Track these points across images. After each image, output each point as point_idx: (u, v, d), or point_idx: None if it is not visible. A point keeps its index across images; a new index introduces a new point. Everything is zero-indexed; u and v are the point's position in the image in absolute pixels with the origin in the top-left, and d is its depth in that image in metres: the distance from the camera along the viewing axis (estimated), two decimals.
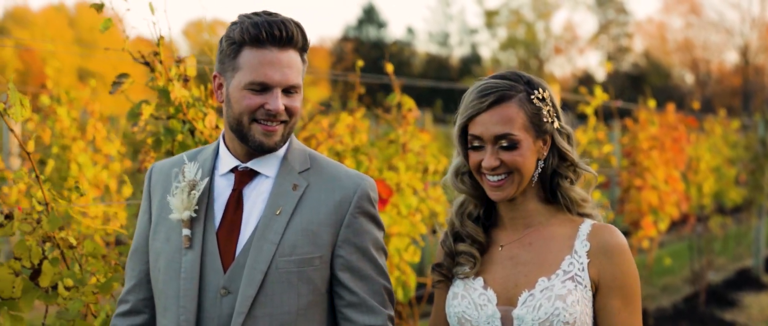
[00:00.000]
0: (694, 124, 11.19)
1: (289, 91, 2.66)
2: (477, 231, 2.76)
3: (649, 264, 10.27)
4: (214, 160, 2.79)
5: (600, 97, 7.46)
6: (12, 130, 3.23)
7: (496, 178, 2.65)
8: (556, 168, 2.71)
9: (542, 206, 2.74)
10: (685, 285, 12.02)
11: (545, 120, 2.65)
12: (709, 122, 13.84)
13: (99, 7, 3.57)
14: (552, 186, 2.73)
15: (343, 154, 4.86)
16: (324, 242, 2.71)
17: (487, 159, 2.64)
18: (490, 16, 58.29)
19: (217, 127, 3.86)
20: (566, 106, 11.40)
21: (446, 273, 2.80)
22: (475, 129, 2.65)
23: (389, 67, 5.58)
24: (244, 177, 2.74)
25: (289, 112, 2.67)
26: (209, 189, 2.74)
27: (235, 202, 2.71)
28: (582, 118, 8.26)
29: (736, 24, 52.97)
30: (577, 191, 2.73)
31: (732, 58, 60.11)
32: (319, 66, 48.74)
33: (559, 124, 2.70)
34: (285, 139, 2.72)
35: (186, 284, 2.65)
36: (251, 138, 2.66)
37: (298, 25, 2.67)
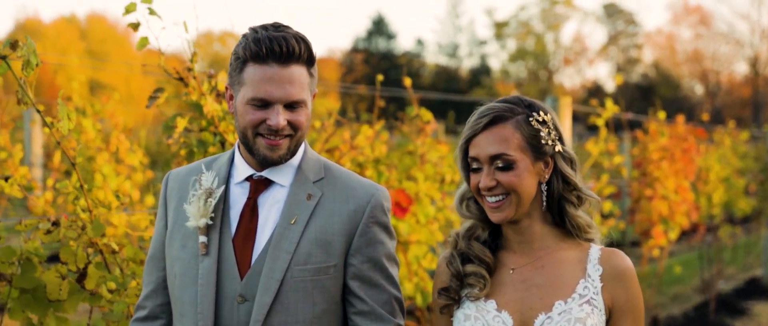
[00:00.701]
0: (704, 135, 11.26)
1: (292, 106, 2.67)
2: (483, 251, 2.75)
3: (659, 272, 10.39)
4: (229, 168, 2.81)
5: (611, 109, 7.59)
6: (58, 143, 3.39)
7: (494, 199, 2.67)
8: (561, 192, 2.71)
9: (549, 229, 2.74)
10: (695, 295, 12.13)
11: (544, 142, 2.66)
12: (719, 133, 13.91)
13: (135, 27, 3.73)
14: (559, 210, 2.73)
15: (364, 165, 5.04)
16: (338, 251, 2.73)
17: (483, 179, 2.66)
18: (500, 28, 58.37)
19: None
20: (577, 117, 11.52)
21: (454, 296, 2.76)
22: (473, 150, 2.68)
23: (407, 81, 5.76)
24: (259, 185, 2.76)
25: (294, 126, 2.69)
26: (225, 197, 2.77)
27: (251, 211, 2.74)
28: (593, 129, 8.37)
29: (745, 35, 53.00)
30: (583, 217, 2.72)
31: (742, 69, 60.11)
32: (329, 77, 48.91)
33: (562, 148, 2.70)
34: (292, 151, 2.74)
35: (203, 290, 2.68)
36: (257, 151, 2.69)
37: (301, 40, 2.67)
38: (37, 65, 3.14)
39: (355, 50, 55.69)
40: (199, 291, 2.68)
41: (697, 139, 10.64)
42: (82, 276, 3.41)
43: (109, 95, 8.10)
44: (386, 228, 2.83)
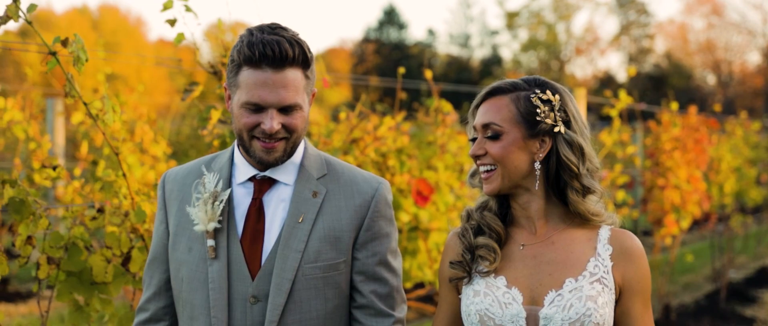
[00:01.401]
0: (716, 125, 11.35)
1: (286, 109, 2.64)
2: (495, 220, 2.75)
3: (671, 261, 10.53)
4: (230, 168, 2.80)
5: (624, 100, 7.71)
6: (104, 134, 3.56)
7: (483, 169, 2.69)
8: (560, 174, 2.68)
9: (555, 208, 2.72)
10: (706, 283, 12.27)
11: (540, 119, 2.64)
12: (731, 124, 14.00)
13: (173, 23, 3.87)
14: (562, 193, 2.71)
15: (387, 155, 5.21)
16: (346, 247, 2.74)
17: (474, 146, 2.70)
18: (511, 18, 58.18)
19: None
20: (590, 108, 11.61)
21: (466, 269, 2.75)
22: (472, 120, 2.75)
23: (428, 74, 5.93)
24: (263, 185, 2.75)
25: (289, 129, 2.66)
26: (229, 198, 2.75)
27: (257, 211, 2.73)
28: (605, 119, 8.47)
29: (758, 25, 52.98)
30: (587, 206, 2.69)
31: (754, 59, 59.70)
32: (340, 68, 48.96)
33: (564, 130, 2.66)
34: (288, 153, 2.72)
35: (215, 294, 2.67)
36: (253, 153, 2.68)
37: (296, 43, 2.64)
38: (86, 61, 3.31)
39: (366, 40, 55.67)
40: (211, 294, 2.68)
41: (709, 129, 10.74)
42: (126, 259, 3.59)
43: (132, 87, 8.26)
44: (390, 221, 2.86)
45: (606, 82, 48.49)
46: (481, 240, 2.73)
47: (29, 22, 3.22)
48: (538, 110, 2.64)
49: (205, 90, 4.18)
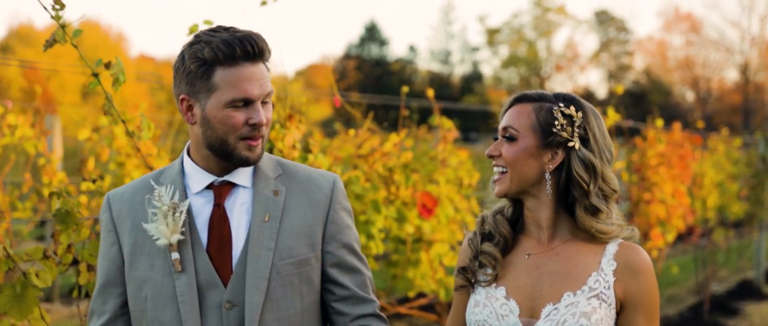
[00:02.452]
0: (699, 141, 11.61)
1: (263, 102, 2.65)
2: (504, 223, 2.78)
3: (657, 273, 10.71)
4: (182, 179, 2.74)
5: (612, 116, 7.94)
6: (138, 149, 3.78)
7: (496, 170, 2.73)
8: (569, 189, 2.69)
9: (564, 218, 2.73)
10: (689, 296, 12.44)
11: (556, 131, 2.65)
12: (713, 140, 14.22)
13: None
14: (571, 208, 2.72)
15: (393, 169, 5.46)
16: (315, 241, 2.76)
17: (491, 147, 2.73)
18: (492, 35, 58.37)
19: (294, 146, 4.44)
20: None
21: (470, 278, 2.80)
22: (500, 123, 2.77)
23: (430, 92, 6.19)
24: (222, 191, 2.72)
25: (266, 123, 2.67)
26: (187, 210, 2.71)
27: (220, 217, 2.70)
28: None
29: (736, 42, 53.10)
30: (593, 223, 2.68)
31: (732, 75, 60.17)
32: (322, 84, 49.11)
33: (579, 147, 2.67)
34: (263, 149, 2.72)
35: (186, 306, 2.62)
36: (237, 154, 2.65)
37: (263, 38, 2.65)
38: (123, 82, 3.53)
39: (347, 57, 55.74)
40: (181, 307, 2.63)
41: (693, 145, 10.97)
42: None
43: (136, 105, 8.46)
44: (350, 213, 2.89)
45: (586, 99, 48.50)
46: (485, 246, 2.78)
47: (75, 46, 3.43)
48: (556, 122, 2.66)
49: None
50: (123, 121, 3.65)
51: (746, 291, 13.27)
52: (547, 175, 2.68)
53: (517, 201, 2.81)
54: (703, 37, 54.16)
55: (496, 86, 57.49)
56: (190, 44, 2.62)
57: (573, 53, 58.41)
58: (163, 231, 2.63)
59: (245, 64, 2.60)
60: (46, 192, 6.85)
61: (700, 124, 12.41)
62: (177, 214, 2.64)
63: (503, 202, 2.83)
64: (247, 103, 2.60)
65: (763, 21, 52.03)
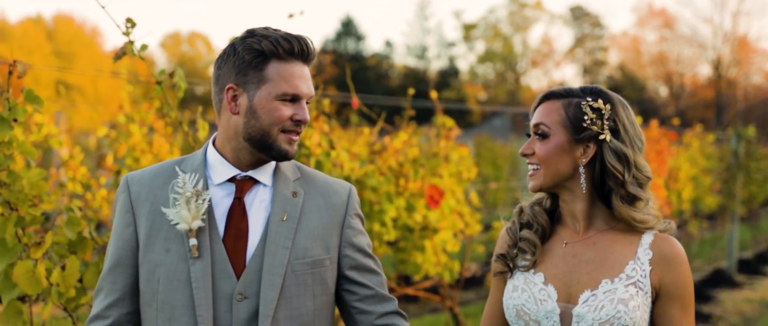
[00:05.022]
0: (675, 137, 11.98)
1: (307, 101, 2.72)
2: (542, 214, 2.82)
3: None
4: (204, 170, 2.76)
5: None
6: (193, 147, 4.23)
7: (530, 168, 2.75)
8: (604, 181, 2.70)
9: (599, 210, 2.75)
10: None
11: (586, 125, 2.66)
12: (688, 136, 14.61)
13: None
14: (607, 198, 2.73)
15: (403, 164, 6.01)
16: (330, 244, 2.79)
17: (524, 145, 2.76)
18: (468, 30, 58.77)
19: (320, 144, 4.94)
20: None
21: (508, 263, 2.81)
22: (530, 121, 2.80)
23: (433, 94, 6.72)
24: (244, 185, 2.74)
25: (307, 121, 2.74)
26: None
27: (240, 210, 2.72)
28: None
29: (708, 38, 53.83)
30: (631, 212, 2.68)
31: (705, 71, 60.49)
32: None
33: (610, 139, 2.67)
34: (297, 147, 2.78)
35: (199, 292, 2.63)
36: (277, 146, 2.68)
37: (313, 43, 2.73)
38: (184, 89, 3.94)
39: (323, 52, 55.34)
40: (195, 293, 2.63)
41: (669, 141, 11.41)
42: None
43: (150, 104, 8.86)
44: (362, 219, 2.94)
45: None
46: (525, 233, 2.81)
47: (142, 59, 3.79)
48: (586, 117, 2.67)
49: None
50: (179, 123, 4.03)
51: (719, 279, 13.61)
52: (581, 169, 2.70)
53: (554, 194, 2.85)
54: (676, 33, 54.92)
55: (472, 81, 57.85)
56: (243, 38, 2.68)
57: (548, 49, 59.00)
58: (184, 216, 2.64)
59: (298, 62, 2.67)
60: (70, 186, 7.25)
61: (676, 121, 12.84)
62: (199, 201, 2.66)
63: (541, 194, 2.87)
64: (294, 99, 2.66)
65: (736, 17, 52.70)
